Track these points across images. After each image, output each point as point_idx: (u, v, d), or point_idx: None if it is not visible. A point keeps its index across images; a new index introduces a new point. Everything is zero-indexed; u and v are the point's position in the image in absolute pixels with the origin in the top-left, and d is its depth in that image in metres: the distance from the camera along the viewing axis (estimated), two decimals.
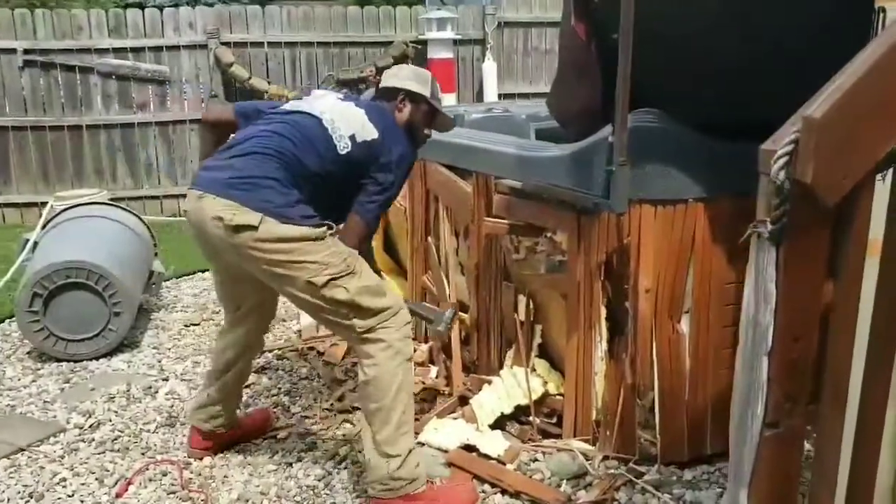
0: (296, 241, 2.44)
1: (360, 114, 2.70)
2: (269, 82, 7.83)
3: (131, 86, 7.70)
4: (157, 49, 7.66)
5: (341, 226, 2.68)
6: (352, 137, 2.63)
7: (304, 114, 2.70)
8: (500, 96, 8.17)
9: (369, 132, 2.65)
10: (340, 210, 2.65)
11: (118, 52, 7.59)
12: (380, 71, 8.02)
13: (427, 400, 3.40)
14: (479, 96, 8.27)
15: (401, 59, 8.11)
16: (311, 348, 4.05)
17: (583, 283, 2.79)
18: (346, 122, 2.66)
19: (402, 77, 2.87)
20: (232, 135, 2.76)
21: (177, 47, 7.69)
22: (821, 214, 1.49)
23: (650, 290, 2.65)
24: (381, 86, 2.92)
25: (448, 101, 7.82)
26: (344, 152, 2.61)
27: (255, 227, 2.41)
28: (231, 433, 3.05)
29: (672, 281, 2.66)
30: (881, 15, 2.12)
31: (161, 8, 7.87)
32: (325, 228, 2.51)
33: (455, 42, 8.14)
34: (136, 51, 7.62)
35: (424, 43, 8.07)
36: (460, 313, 3.44)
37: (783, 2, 2.40)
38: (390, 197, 2.72)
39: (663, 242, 2.62)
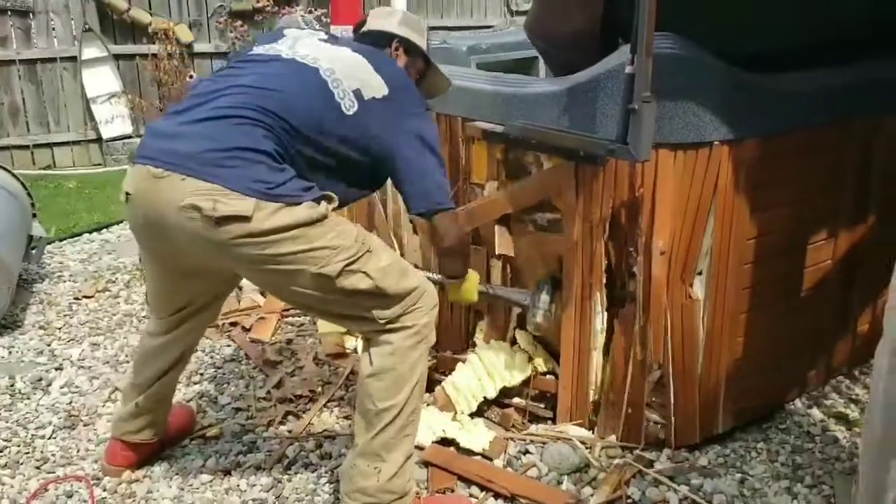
0: (297, 227, 1.85)
1: (363, 63, 2.06)
2: (151, 13, 6.94)
3: None
4: None
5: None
6: (357, 94, 1.99)
7: (289, 61, 2.03)
8: None
9: (378, 88, 2.02)
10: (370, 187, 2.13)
11: None
12: (278, 1, 7.29)
13: None
14: None
15: None
16: (234, 324, 3.47)
17: (581, 243, 2.35)
18: (350, 73, 2.02)
19: (396, 22, 2.28)
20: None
21: None
22: None
23: (665, 252, 2.23)
24: (366, 28, 2.31)
25: None
26: (350, 113, 1.97)
27: (247, 218, 1.79)
28: (160, 441, 2.49)
29: (689, 239, 2.26)
30: None
31: None
32: (326, 204, 1.92)
33: None
34: None
35: None
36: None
37: None
38: (440, 163, 2.09)
39: (682, 194, 2.20)
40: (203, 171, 1.81)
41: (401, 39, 2.25)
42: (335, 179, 2.02)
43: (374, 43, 2.22)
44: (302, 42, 2.11)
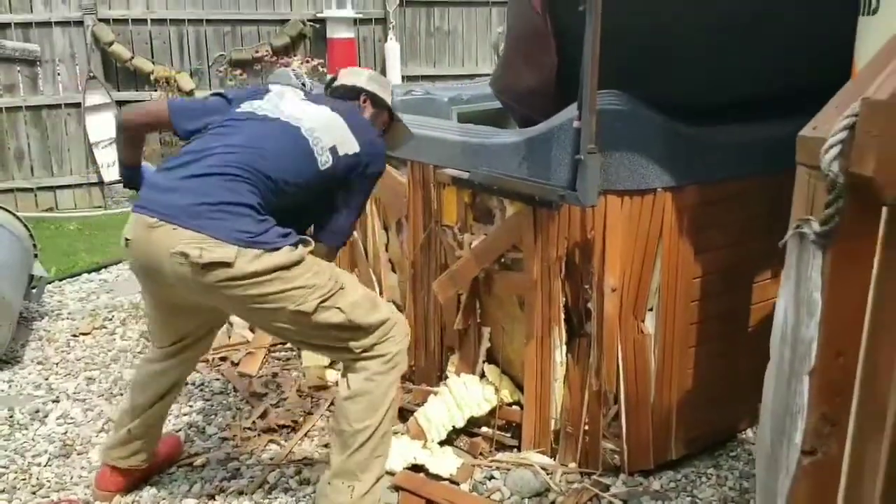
0: (276, 270, 2.06)
1: (340, 122, 2.31)
2: (153, 62, 7.22)
3: None
4: (26, 25, 6.89)
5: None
6: (333, 150, 2.25)
7: (274, 120, 2.27)
8: (403, 78, 7.84)
9: (351, 145, 2.28)
10: (308, 222, 2.32)
11: None
12: (276, 51, 7.59)
13: None
14: None
15: (298, 39, 7.67)
16: (224, 358, 3.65)
17: (540, 281, 2.54)
18: (329, 131, 2.27)
19: (365, 78, 2.55)
20: (182, 144, 2.30)
21: (48, 24, 6.94)
22: (876, 212, 1.28)
23: (616, 289, 2.42)
24: (338, 83, 2.56)
25: None
26: (325, 167, 2.23)
27: (230, 264, 2.01)
28: (149, 468, 2.65)
29: (638, 278, 2.45)
30: None
31: None
32: (302, 248, 2.13)
33: (355, 21, 7.74)
34: (1, 27, 6.83)
35: (323, 21, 7.63)
36: None
37: None
38: (359, 215, 2.44)
39: (630, 236, 2.40)
40: (192, 222, 2.03)
41: (368, 93, 2.50)
42: (301, 216, 2.27)
43: (344, 96, 2.48)
44: (285, 101, 2.35)
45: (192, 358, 2.55)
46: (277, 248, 2.07)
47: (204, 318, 2.45)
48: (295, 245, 2.12)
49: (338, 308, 2.14)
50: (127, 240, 2.16)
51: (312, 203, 2.30)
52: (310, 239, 2.20)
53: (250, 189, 2.10)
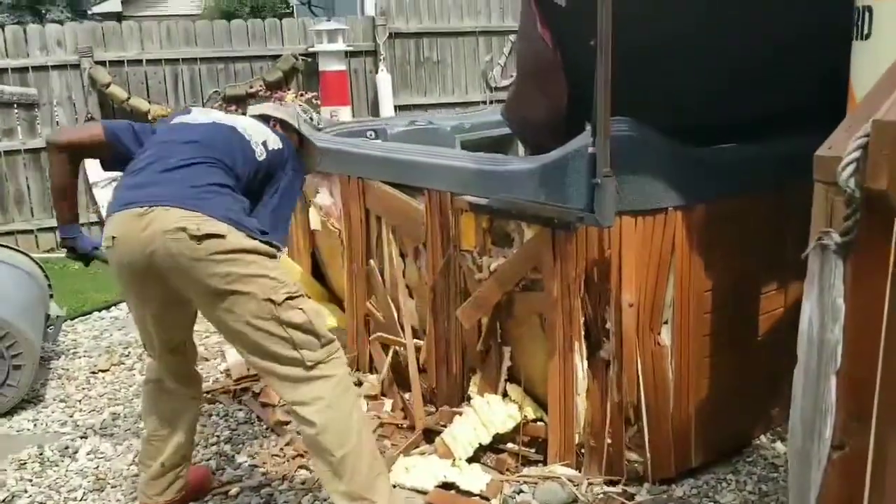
0: (257, 253, 2.27)
1: (263, 127, 2.67)
2: (149, 101, 7.34)
3: None
4: (23, 70, 7.00)
5: None
6: (264, 144, 2.56)
7: (211, 124, 2.56)
8: (396, 108, 7.99)
9: (276, 142, 2.62)
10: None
11: None
12: (269, 86, 7.73)
13: (386, 436, 3.18)
14: (375, 109, 8.06)
15: (290, 73, 7.82)
16: (245, 389, 3.73)
17: (560, 300, 2.65)
18: (257, 130, 2.60)
19: (270, 108, 2.89)
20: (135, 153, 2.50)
21: (45, 67, 7.05)
22: (890, 223, 1.41)
23: (633, 304, 2.54)
24: (248, 115, 2.85)
25: (344, 114, 7.59)
26: (261, 158, 2.52)
27: (222, 236, 2.20)
28: (184, 497, 2.72)
29: (653, 293, 2.57)
30: (866, 15, 2.10)
31: (24, 24, 7.19)
32: (276, 250, 2.36)
33: (346, 54, 7.90)
34: None
35: (314, 56, 7.79)
36: (416, 340, 3.24)
37: (759, 4, 2.36)
38: (291, 212, 2.63)
39: (644, 254, 2.52)
40: (187, 202, 2.23)
41: (276, 119, 2.80)
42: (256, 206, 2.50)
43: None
44: (211, 114, 2.67)
45: (184, 367, 2.65)
46: (257, 239, 2.29)
47: (179, 318, 2.54)
48: (268, 244, 2.33)
49: (301, 309, 2.29)
50: (113, 238, 2.26)
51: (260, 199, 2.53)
52: (281, 246, 2.42)
53: (224, 174, 2.37)
